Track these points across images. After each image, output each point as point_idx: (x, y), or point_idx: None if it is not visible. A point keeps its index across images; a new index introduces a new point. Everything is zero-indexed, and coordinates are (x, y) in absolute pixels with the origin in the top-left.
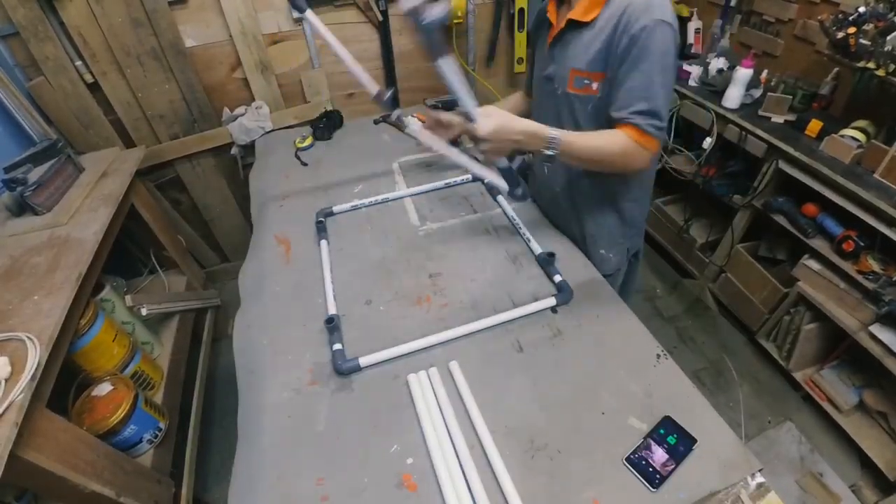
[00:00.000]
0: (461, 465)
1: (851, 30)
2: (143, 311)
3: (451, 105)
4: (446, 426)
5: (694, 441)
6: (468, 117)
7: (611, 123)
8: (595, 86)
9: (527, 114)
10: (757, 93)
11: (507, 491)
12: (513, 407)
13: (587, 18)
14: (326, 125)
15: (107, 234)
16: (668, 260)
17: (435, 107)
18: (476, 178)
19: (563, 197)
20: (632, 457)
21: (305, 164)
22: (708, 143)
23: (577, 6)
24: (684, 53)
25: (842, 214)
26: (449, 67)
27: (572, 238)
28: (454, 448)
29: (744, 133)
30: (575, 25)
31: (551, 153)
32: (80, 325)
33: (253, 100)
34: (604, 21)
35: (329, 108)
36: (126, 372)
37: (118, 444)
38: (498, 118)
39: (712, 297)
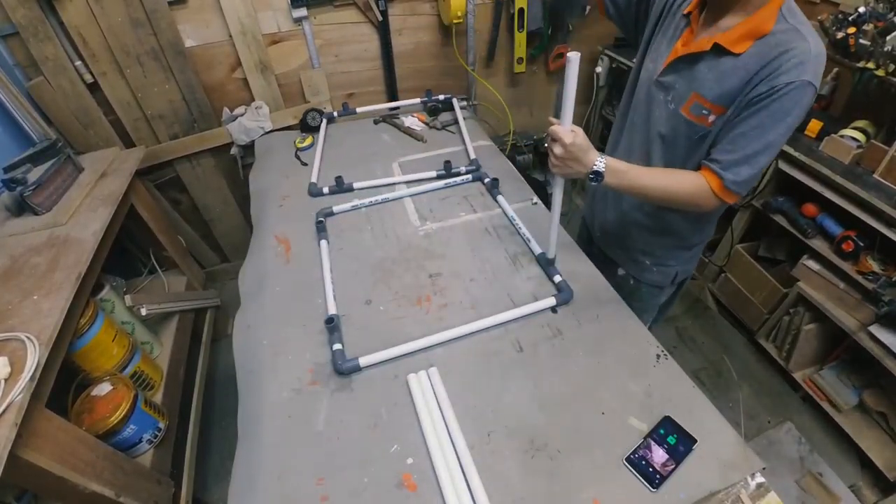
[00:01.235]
0: (461, 465)
1: (851, 30)
2: (143, 311)
3: (447, 104)
4: (446, 426)
5: (694, 441)
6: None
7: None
8: (712, 118)
9: None
10: None
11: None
12: (513, 407)
13: (736, 50)
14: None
15: (106, 233)
16: None
17: (434, 106)
18: (477, 178)
19: (618, 199)
20: (632, 457)
21: (305, 164)
22: None
23: (728, 31)
24: None
25: (841, 215)
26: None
27: (616, 241)
28: (454, 448)
29: None
30: (719, 50)
31: (613, 184)
32: (80, 324)
33: (253, 100)
34: (750, 57)
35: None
36: (126, 372)
37: (118, 445)
38: (583, 139)
39: (712, 298)
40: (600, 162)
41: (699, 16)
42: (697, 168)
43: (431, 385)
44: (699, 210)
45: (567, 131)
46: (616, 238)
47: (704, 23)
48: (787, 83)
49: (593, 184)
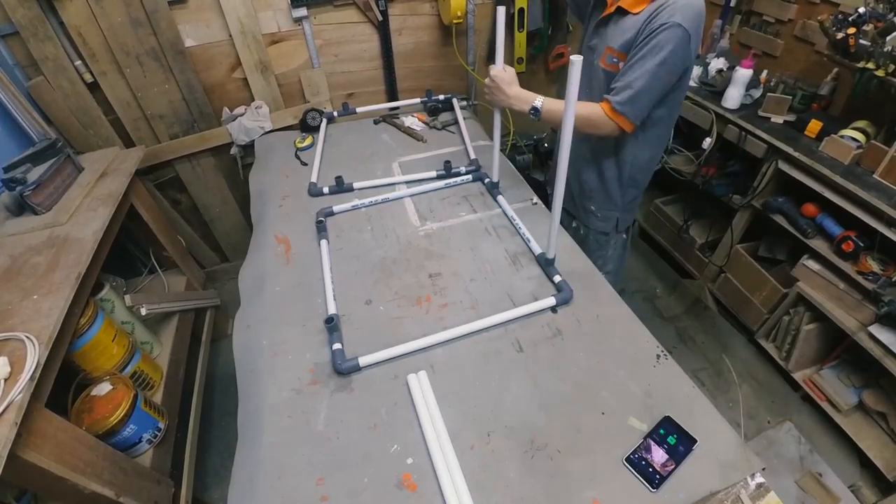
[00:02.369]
0: (460, 466)
1: (851, 30)
2: (143, 311)
3: (447, 104)
4: (445, 426)
5: (694, 441)
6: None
7: None
8: (621, 65)
9: None
10: (756, 93)
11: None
12: (513, 407)
13: (634, 10)
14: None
15: (106, 233)
16: (668, 260)
17: (434, 106)
18: (477, 178)
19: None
20: (632, 457)
21: (305, 164)
22: (707, 143)
23: None
24: None
25: (841, 215)
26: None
27: (569, 192)
28: (454, 448)
29: (743, 133)
30: (622, 11)
31: (533, 115)
32: (80, 324)
33: (252, 100)
34: (645, 14)
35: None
36: (125, 372)
37: (117, 444)
38: (504, 74)
39: (712, 298)
40: (538, 101)
41: None
42: None
43: (431, 385)
44: (599, 132)
45: (498, 67)
46: (569, 190)
47: None
48: (659, 25)
49: (532, 117)
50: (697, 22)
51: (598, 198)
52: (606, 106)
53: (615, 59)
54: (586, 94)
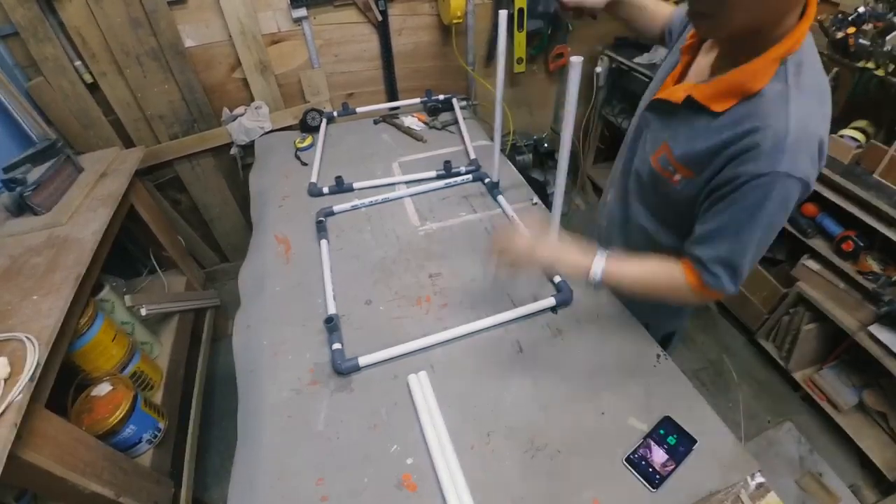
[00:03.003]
0: (461, 466)
1: (851, 30)
2: (143, 312)
3: (447, 104)
4: (446, 426)
5: (694, 441)
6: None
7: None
8: (678, 177)
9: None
10: None
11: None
12: (513, 407)
13: (716, 108)
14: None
15: (106, 234)
16: None
17: (434, 106)
18: (477, 178)
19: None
20: (632, 457)
21: (305, 164)
22: None
23: (710, 83)
24: None
25: (841, 214)
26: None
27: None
28: (454, 448)
29: None
30: (694, 105)
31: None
32: (80, 325)
33: (252, 100)
34: (728, 120)
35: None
36: (125, 372)
37: (117, 445)
38: (524, 242)
39: None
40: (598, 271)
41: (689, 57)
42: (678, 229)
43: (431, 385)
44: (677, 303)
45: (514, 234)
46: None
47: (691, 69)
48: (753, 175)
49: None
50: (810, 160)
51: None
52: (692, 275)
53: (671, 169)
54: (618, 188)
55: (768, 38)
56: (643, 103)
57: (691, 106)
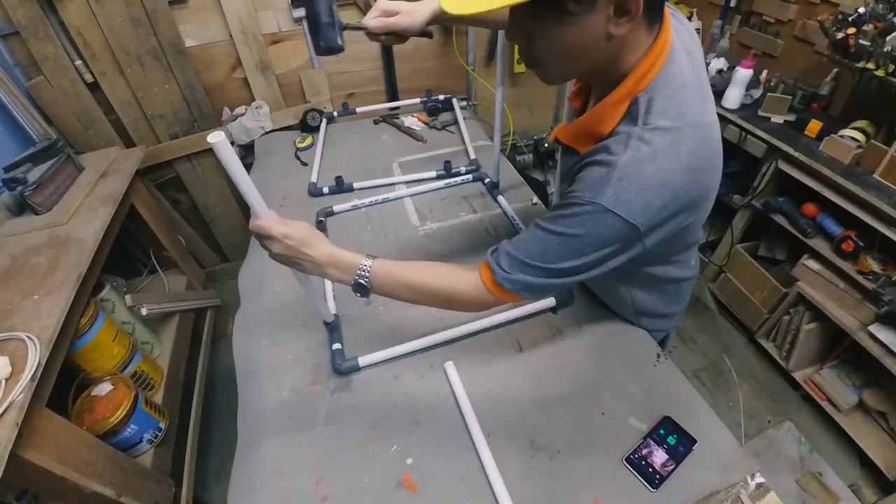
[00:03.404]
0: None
1: (851, 30)
2: (143, 311)
3: (447, 104)
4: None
5: (694, 441)
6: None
7: None
8: None
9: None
10: (756, 93)
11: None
12: (513, 407)
13: (581, 149)
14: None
15: (107, 233)
16: None
17: (434, 106)
18: (477, 178)
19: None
20: (632, 457)
21: (305, 164)
22: None
23: (573, 124)
24: None
25: (841, 214)
26: None
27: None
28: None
29: (743, 133)
30: (565, 147)
31: (362, 284)
32: (81, 324)
33: (253, 99)
34: (588, 156)
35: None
36: (126, 372)
37: (118, 444)
38: (291, 230)
39: (712, 297)
40: (366, 263)
41: (580, 99)
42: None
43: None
44: (462, 309)
45: (272, 221)
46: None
47: (590, 103)
48: (577, 197)
49: (358, 294)
50: (650, 193)
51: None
52: (485, 271)
53: None
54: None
55: (616, 76)
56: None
57: (565, 147)
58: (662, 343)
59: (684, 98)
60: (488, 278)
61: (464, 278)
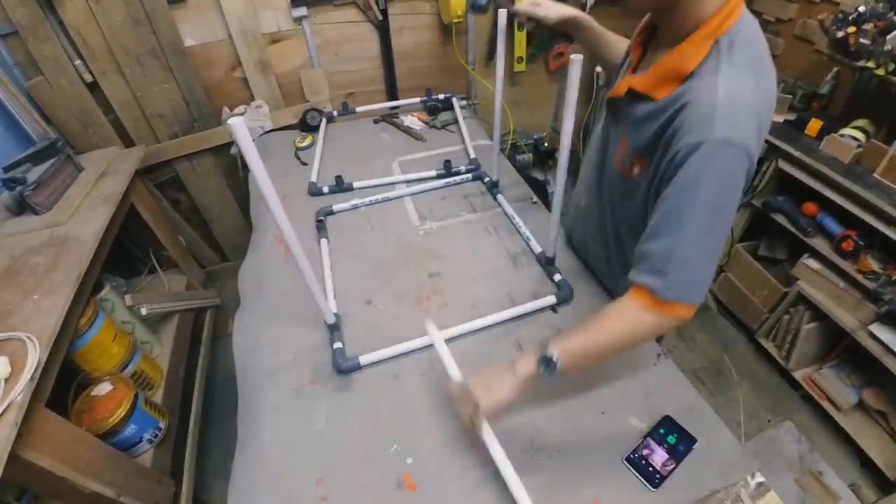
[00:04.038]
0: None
1: (851, 29)
2: (143, 311)
3: (447, 103)
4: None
5: (694, 440)
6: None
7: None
8: (636, 170)
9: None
10: None
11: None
12: (513, 406)
13: (656, 96)
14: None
15: (106, 233)
16: None
17: (434, 106)
18: (477, 177)
19: (598, 237)
20: (632, 456)
21: (305, 164)
22: None
23: (646, 73)
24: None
25: (841, 214)
26: None
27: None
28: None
29: None
30: (635, 96)
31: (550, 376)
32: (80, 324)
33: (253, 99)
34: (669, 101)
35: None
36: (126, 371)
37: (118, 444)
38: (471, 388)
39: (712, 297)
40: (528, 367)
41: (645, 48)
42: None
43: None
44: (650, 340)
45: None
46: (595, 251)
47: (644, 65)
48: (687, 147)
49: (549, 382)
50: (751, 122)
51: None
52: (643, 296)
53: (629, 162)
54: (595, 193)
55: (695, 19)
56: (600, 121)
57: (634, 97)
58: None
59: (759, 45)
60: (649, 300)
61: (628, 317)
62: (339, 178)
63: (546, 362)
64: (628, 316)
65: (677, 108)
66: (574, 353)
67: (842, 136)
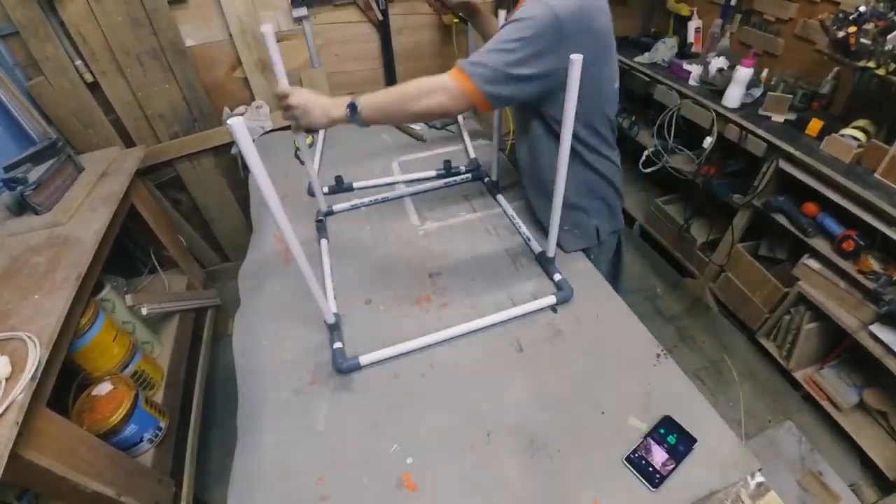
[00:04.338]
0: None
1: (852, 29)
2: (144, 311)
3: None
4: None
5: (694, 441)
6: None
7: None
8: None
9: None
10: (757, 92)
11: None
12: (512, 407)
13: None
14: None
15: (107, 233)
16: (669, 259)
17: None
18: (477, 177)
19: (529, 175)
20: (632, 456)
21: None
22: (708, 142)
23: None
24: (683, 53)
25: (842, 214)
26: None
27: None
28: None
29: (744, 132)
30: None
31: (354, 117)
32: (81, 324)
33: (253, 99)
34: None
35: None
36: (126, 371)
37: (118, 444)
38: (304, 92)
39: (712, 297)
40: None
41: None
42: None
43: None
44: (434, 101)
45: (290, 93)
46: (543, 215)
47: None
48: (522, 7)
49: (351, 121)
50: (573, 8)
51: (569, 217)
52: (455, 71)
53: None
54: (524, 142)
55: None
56: None
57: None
58: (618, 241)
59: None
60: (455, 71)
61: (436, 78)
62: (339, 178)
63: (353, 108)
64: (433, 80)
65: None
66: (374, 106)
67: (842, 136)
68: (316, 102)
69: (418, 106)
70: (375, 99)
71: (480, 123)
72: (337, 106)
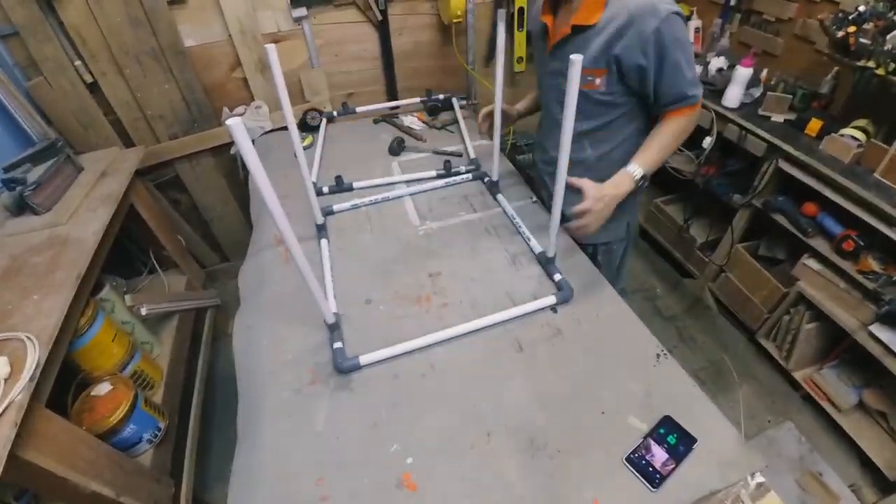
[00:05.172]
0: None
1: (851, 29)
2: (143, 311)
3: (447, 103)
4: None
5: (694, 440)
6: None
7: (643, 113)
8: (598, 81)
9: (537, 108)
10: (757, 92)
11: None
12: (513, 407)
13: (591, 22)
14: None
15: (106, 233)
16: (668, 259)
17: (434, 106)
18: (477, 177)
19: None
20: (632, 456)
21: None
22: (708, 142)
23: (578, 11)
24: None
25: (842, 214)
26: None
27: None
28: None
29: (744, 132)
30: (579, 29)
31: (644, 184)
32: (80, 324)
33: (252, 99)
34: (605, 21)
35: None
36: (126, 372)
37: (118, 444)
38: (598, 193)
39: (712, 297)
40: (637, 171)
41: (553, 16)
42: (629, 116)
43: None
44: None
45: (590, 192)
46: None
47: (560, 19)
48: (654, 30)
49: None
50: (673, 2)
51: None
52: (686, 109)
53: (590, 78)
54: (555, 112)
55: None
56: (543, 67)
57: (576, 30)
58: (631, 237)
59: None
60: (686, 110)
61: (687, 119)
62: (339, 178)
63: (643, 178)
64: (678, 124)
65: (626, 18)
66: (652, 163)
67: (842, 135)
68: (614, 196)
69: (677, 146)
70: (651, 161)
71: None
72: (624, 184)
